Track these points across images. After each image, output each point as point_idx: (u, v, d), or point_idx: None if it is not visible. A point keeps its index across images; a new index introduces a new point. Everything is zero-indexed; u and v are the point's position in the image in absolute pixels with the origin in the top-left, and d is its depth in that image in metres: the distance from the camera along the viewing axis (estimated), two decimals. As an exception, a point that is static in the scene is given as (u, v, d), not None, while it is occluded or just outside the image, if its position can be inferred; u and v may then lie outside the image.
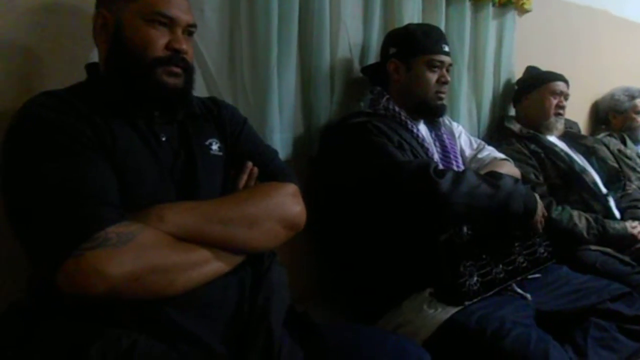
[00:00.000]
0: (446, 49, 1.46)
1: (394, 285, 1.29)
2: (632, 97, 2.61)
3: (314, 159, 1.50)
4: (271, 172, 1.00)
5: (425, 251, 1.25)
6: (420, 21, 1.74)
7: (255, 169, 0.99)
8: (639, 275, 1.60)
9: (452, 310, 1.18)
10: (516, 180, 1.31)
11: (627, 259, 1.72)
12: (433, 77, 1.44)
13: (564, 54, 2.55)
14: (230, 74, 1.38)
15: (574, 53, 2.63)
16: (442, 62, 1.45)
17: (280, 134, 1.43)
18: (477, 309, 1.18)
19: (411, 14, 1.71)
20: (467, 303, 1.19)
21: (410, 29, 1.50)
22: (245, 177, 0.97)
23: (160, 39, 0.88)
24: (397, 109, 1.45)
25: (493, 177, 1.30)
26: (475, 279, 1.23)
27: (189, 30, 0.93)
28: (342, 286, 1.48)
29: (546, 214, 1.43)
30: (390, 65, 1.48)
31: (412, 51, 1.45)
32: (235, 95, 1.38)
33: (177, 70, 0.90)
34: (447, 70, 1.47)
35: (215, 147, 0.97)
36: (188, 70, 0.93)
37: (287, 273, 1.00)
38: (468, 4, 1.95)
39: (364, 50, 1.67)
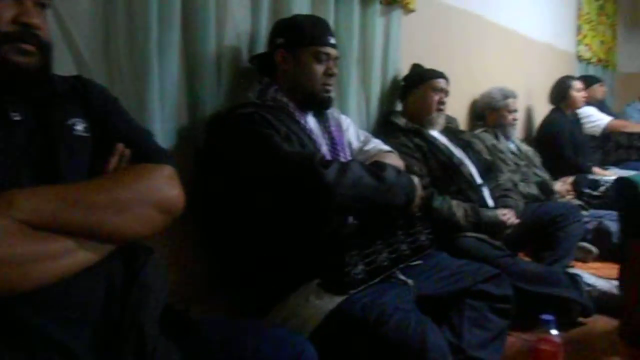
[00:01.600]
0: (333, 41, 1.47)
1: (281, 278, 1.28)
2: (506, 97, 2.84)
3: (199, 150, 1.44)
4: (145, 153, 0.92)
5: (312, 242, 1.26)
6: (310, 13, 1.73)
7: (127, 151, 0.91)
8: (508, 258, 1.75)
9: (338, 299, 1.19)
10: (399, 171, 1.36)
11: (498, 243, 1.87)
12: (320, 68, 1.44)
13: (445, 53, 2.70)
14: (105, 57, 1.27)
15: (454, 53, 2.80)
16: (328, 54, 1.45)
17: (161, 124, 1.35)
18: (361, 297, 1.20)
19: (300, 5, 1.70)
20: (352, 292, 1.21)
21: (297, 20, 1.49)
22: (115, 159, 0.89)
23: (5, 12, 0.77)
24: (285, 100, 1.44)
25: (377, 168, 1.33)
26: (360, 267, 1.25)
27: (41, 2, 0.83)
28: (230, 281, 1.44)
29: (420, 201, 1.48)
30: (278, 55, 1.46)
31: (299, 42, 1.44)
32: (112, 80, 1.27)
33: (29, 47, 0.79)
34: (335, 63, 1.48)
35: (80, 127, 0.88)
36: (43, 48, 0.83)
37: (172, 269, 0.94)
38: (356, 0, 1.99)
39: (253, 39, 1.63)
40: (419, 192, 1.41)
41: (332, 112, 1.64)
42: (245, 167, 1.30)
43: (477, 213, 1.89)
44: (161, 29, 1.32)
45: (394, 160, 1.56)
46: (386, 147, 1.64)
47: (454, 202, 1.88)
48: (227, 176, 1.34)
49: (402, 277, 1.37)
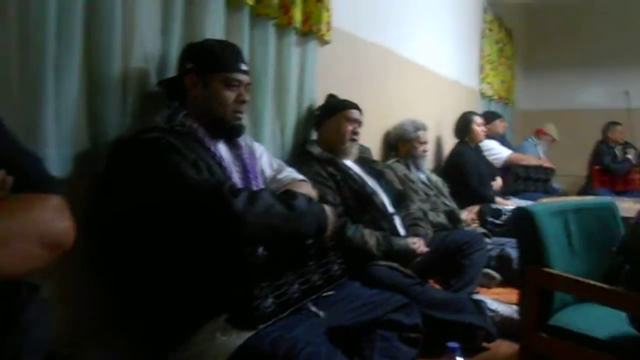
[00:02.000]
0: (244, 67, 1.45)
1: (186, 314, 1.21)
2: (417, 129, 2.96)
3: (100, 177, 1.34)
4: (30, 181, 0.83)
5: (219, 275, 1.20)
6: (222, 39, 1.70)
7: (9, 178, 0.81)
8: (418, 286, 1.79)
9: (246, 335, 1.14)
10: (310, 199, 1.34)
11: (409, 271, 1.91)
12: (231, 95, 1.41)
13: (360, 85, 2.78)
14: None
15: (368, 85, 2.89)
16: (240, 81, 1.42)
17: (57, 149, 1.25)
18: (271, 331, 1.16)
19: (213, 31, 1.67)
20: (261, 326, 1.16)
21: (208, 45, 1.46)
22: (-7, 186, 0.79)
23: None
24: (194, 125, 1.39)
25: (288, 197, 1.31)
26: (270, 300, 1.21)
27: None
28: (132, 317, 1.33)
29: (333, 230, 1.48)
30: (187, 80, 1.42)
31: (210, 67, 1.40)
32: (-1, 99, 1.16)
33: None
34: (246, 89, 1.46)
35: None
36: None
37: (63, 308, 0.84)
38: (272, 29, 2.00)
39: (162, 62, 1.57)
40: (332, 221, 1.40)
41: (245, 139, 1.61)
42: (149, 195, 1.22)
43: (389, 242, 1.93)
44: (59, 48, 1.23)
45: (307, 189, 1.55)
46: (299, 176, 1.63)
47: (367, 231, 1.90)
48: (129, 205, 1.25)
49: (314, 309, 1.34)
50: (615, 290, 1.38)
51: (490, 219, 3.16)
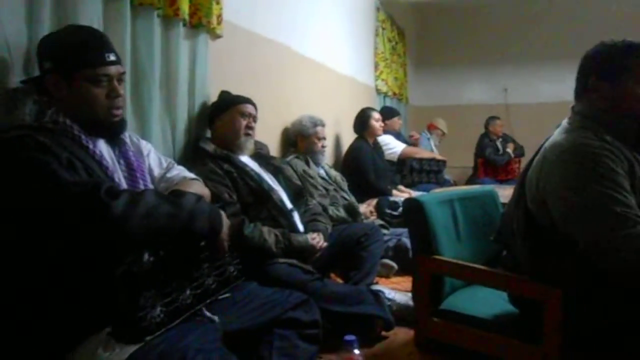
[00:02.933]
0: (112, 57, 1.29)
1: (64, 329, 1.09)
2: (315, 125, 2.98)
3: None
4: None
5: (101, 286, 1.10)
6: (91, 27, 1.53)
7: None
8: (317, 282, 1.79)
9: (131, 349, 1.05)
10: (199, 198, 1.27)
11: (309, 267, 1.91)
12: (101, 92, 1.26)
13: (256, 81, 2.74)
14: None
15: (265, 81, 2.85)
16: (108, 75, 1.27)
17: None
18: (159, 342, 1.08)
19: (89, 20, 1.53)
20: (148, 338, 1.08)
21: (65, 36, 1.28)
22: None
23: None
24: (68, 122, 1.25)
25: (175, 196, 1.23)
26: (158, 309, 1.13)
27: None
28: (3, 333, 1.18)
29: (229, 230, 1.42)
30: (49, 81, 1.25)
31: (71, 65, 1.24)
32: None
33: None
34: (120, 81, 1.32)
35: None
36: None
37: None
38: (157, 20, 1.88)
39: (29, 55, 1.41)
40: (226, 221, 1.34)
41: (131, 136, 1.50)
42: (15, 200, 1.09)
43: (288, 239, 1.91)
44: None
45: (199, 187, 1.48)
46: (190, 174, 1.55)
47: (265, 229, 1.87)
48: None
49: (208, 314, 1.28)
50: (495, 273, 1.48)
51: (388, 211, 3.27)
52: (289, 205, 2.06)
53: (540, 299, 1.32)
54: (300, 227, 2.05)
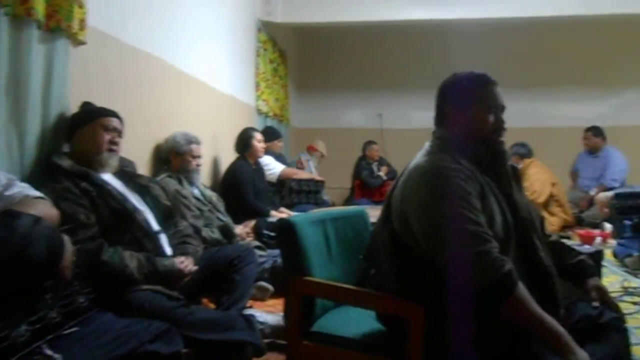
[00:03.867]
0: None
1: None
2: (190, 142, 2.86)
3: None
4: None
5: None
6: None
7: None
8: (183, 308, 1.67)
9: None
10: (37, 219, 1.12)
11: (175, 294, 1.78)
12: None
13: (126, 94, 2.57)
14: None
15: (135, 94, 2.68)
16: None
17: None
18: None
19: None
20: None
21: None
22: None
23: None
24: None
25: (8, 217, 1.07)
26: (-20, 350, 0.96)
27: None
28: None
29: (73, 257, 1.27)
30: None
31: None
32: None
33: None
34: None
35: None
36: None
37: None
38: (4, 19, 1.68)
39: None
40: (69, 245, 1.19)
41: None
42: None
43: (152, 263, 1.77)
44: None
45: (44, 207, 1.31)
46: (35, 193, 1.37)
47: (127, 253, 1.71)
48: None
49: (49, 352, 1.12)
50: (363, 292, 1.50)
51: (266, 232, 3.22)
52: (155, 227, 1.92)
53: (404, 316, 1.36)
54: (168, 250, 1.92)
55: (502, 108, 1.49)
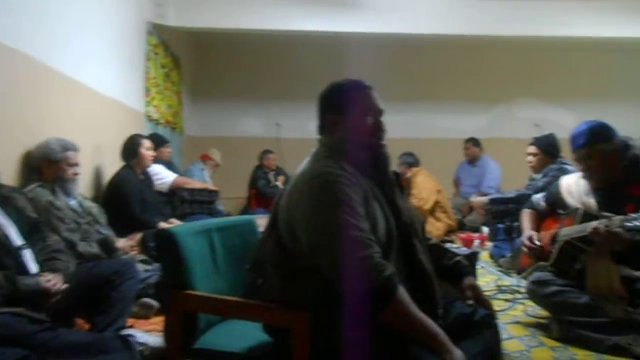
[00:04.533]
0: None
1: None
2: (66, 149, 2.61)
3: None
4: None
5: None
6: None
7: None
8: (48, 332, 1.50)
9: None
10: None
11: (40, 316, 1.60)
12: None
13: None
14: None
15: (3, 98, 2.40)
16: None
17: None
18: None
19: None
20: None
21: None
22: None
23: None
24: None
25: None
26: None
27: None
28: None
29: None
30: None
31: None
32: None
33: None
34: None
35: None
36: None
37: None
38: None
39: None
40: None
41: None
42: None
43: (13, 282, 1.58)
44: None
45: None
46: None
47: (-20, 273, 1.51)
48: None
49: None
50: (247, 304, 1.45)
51: (153, 245, 3.04)
52: (17, 242, 1.71)
53: (288, 325, 1.33)
54: (33, 268, 1.72)
55: (380, 111, 1.54)
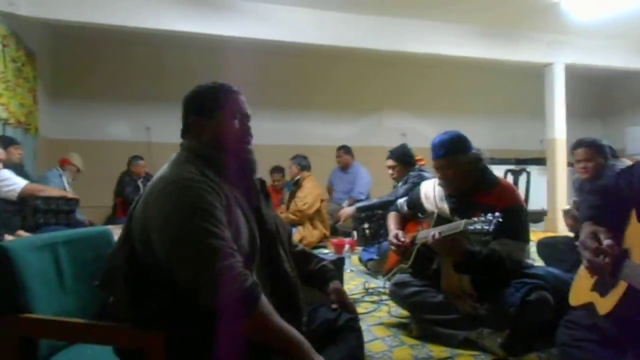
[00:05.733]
0: None
1: None
2: None
3: None
4: None
5: None
6: None
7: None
8: None
9: None
10: None
11: None
12: None
13: None
14: None
15: None
16: None
17: None
18: None
19: None
20: None
21: None
22: None
23: None
24: None
25: None
26: None
27: None
28: None
29: None
30: None
31: None
32: None
33: None
34: None
35: None
36: None
37: None
38: None
39: None
40: None
41: None
42: None
43: None
44: None
45: None
46: None
47: None
48: None
49: None
50: (95, 325, 1.32)
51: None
52: None
53: (141, 347, 1.23)
54: None
55: (247, 116, 1.51)
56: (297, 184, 5.32)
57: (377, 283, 3.40)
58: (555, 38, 6.62)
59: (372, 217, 4.09)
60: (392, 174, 4.05)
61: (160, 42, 6.39)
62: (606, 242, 1.42)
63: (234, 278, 1.23)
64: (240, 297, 1.22)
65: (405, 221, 2.73)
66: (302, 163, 5.43)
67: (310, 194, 5.16)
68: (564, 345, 1.57)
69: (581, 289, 1.57)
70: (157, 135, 6.69)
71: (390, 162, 4.01)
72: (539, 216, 6.92)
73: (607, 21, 5.97)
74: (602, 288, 1.47)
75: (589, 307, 1.52)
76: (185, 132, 1.50)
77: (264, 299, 1.27)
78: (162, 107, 6.69)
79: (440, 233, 2.14)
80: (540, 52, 6.65)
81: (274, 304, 1.42)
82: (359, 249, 4.30)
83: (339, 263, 2.57)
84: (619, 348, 1.41)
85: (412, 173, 3.90)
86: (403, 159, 3.98)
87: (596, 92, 9.44)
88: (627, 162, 3.59)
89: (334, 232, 5.49)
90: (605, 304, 1.44)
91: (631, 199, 1.52)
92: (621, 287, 1.37)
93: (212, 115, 1.44)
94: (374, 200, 4.28)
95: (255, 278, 1.35)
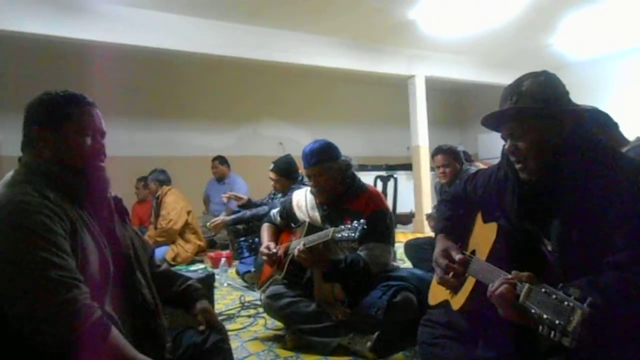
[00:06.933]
0: None
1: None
2: None
3: None
4: None
5: None
6: None
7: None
8: None
9: None
10: None
11: None
12: None
13: None
14: None
15: None
16: None
17: None
18: None
19: None
20: None
21: None
22: None
23: None
24: None
25: None
26: None
27: None
28: None
29: None
30: None
31: None
32: None
33: None
34: None
35: None
36: None
37: None
38: None
39: None
40: None
41: None
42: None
43: None
44: None
45: None
46: None
47: None
48: None
49: None
50: None
51: None
52: None
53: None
54: None
55: (102, 132, 1.37)
56: (157, 201, 5.02)
57: (254, 296, 3.35)
58: (415, 53, 7.14)
59: (248, 229, 4.01)
60: (275, 188, 3.94)
61: (5, 42, 5.72)
62: (457, 257, 1.56)
63: (77, 311, 1.10)
64: (86, 331, 1.10)
65: (279, 232, 2.73)
66: (159, 178, 5.15)
67: (172, 210, 4.90)
68: (424, 343, 1.66)
69: (438, 289, 1.68)
70: (9, 148, 5.95)
71: (272, 175, 3.84)
72: (408, 219, 7.37)
73: (458, 39, 6.57)
74: (455, 286, 1.58)
75: (445, 305, 1.63)
76: (25, 146, 1.32)
77: (114, 332, 1.16)
78: (13, 116, 5.96)
79: (304, 244, 2.17)
80: (403, 65, 7.12)
81: (132, 333, 1.31)
82: (237, 262, 4.21)
83: (209, 281, 2.48)
84: (473, 341, 1.53)
85: (293, 186, 3.80)
86: (285, 173, 3.80)
87: (453, 102, 10.39)
88: (480, 166, 3.98)
89: (212, 245, 5.33)
90: (457, 300, 1.55)
91: (476, 203, 1.69)
92: (470, 283, 1.49)
93: (60, 128, 1.29)
94: (247, 212, 4.19)
95: (108, 308, 1.23)
